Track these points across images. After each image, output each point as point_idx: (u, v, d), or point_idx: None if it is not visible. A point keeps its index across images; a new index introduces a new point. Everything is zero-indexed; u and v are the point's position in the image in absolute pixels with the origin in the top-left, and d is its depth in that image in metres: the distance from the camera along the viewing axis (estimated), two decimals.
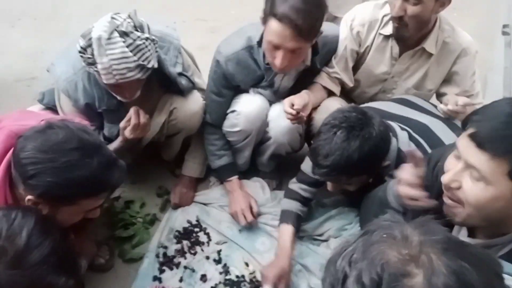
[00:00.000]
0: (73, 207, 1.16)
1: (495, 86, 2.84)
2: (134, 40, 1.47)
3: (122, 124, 1.64)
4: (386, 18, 1.71)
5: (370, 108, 1.59)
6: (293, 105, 1.59)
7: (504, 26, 3.40)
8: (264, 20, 1.54)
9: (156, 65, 1.57)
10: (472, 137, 0.93)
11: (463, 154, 0.96)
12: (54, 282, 0.85)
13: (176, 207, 1.95)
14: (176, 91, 1.80)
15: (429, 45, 1.68)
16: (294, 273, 1.69)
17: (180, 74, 1.77)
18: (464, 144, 0.95)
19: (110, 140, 1.72)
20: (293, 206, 1.76)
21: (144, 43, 1.50)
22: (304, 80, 1.80)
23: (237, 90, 1.81)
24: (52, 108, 1.82)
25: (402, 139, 1.46)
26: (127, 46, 1.46)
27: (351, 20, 1.76)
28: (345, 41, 1.77)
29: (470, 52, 1.72)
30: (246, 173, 2.06)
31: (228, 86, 1.79)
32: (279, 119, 1.75)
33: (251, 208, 1.84)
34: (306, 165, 1.70)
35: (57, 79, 1.71)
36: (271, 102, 1.82)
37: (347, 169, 1.36)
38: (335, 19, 2.33)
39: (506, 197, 0.92)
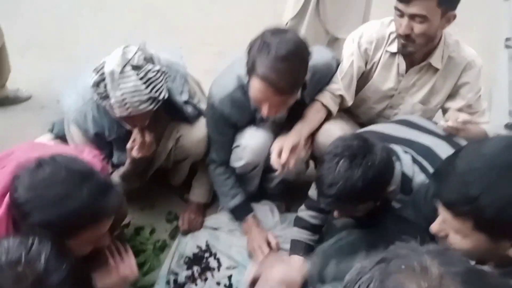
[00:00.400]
0: (77, 240, 1.14)
1: (501, 100, 2.82)
2: (146, 73, 1.51)
3: (128, 145, 1.68)
4: (392, 36, 1.73)
5: (372, 132, 1.60)
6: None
7: (507, 39, 3.40)
8: (248, 75, 1.54)
9: (166, 96, 1.60)
10: (439, 196, 0.99)
11: (439, 209, 1.01)
12: None
13: (185, 233, 1.95)
14: (183, 118, 1.82)
15: (435, 60, 1.69)
16: None
17: (186, 102, 1.81)
18: (438, 201, 1.00)
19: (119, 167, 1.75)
20: (303, 236, 1.76)
21: (155, 75, 1.53)
22: (297, 110, 1.77)
23: (236, 127, 1.82)
24: (62, 138, 1.84)
25: (405, 163, 1.46)
26: (140, 79, 1.50)
27: (359, 37, 1.77)
28: (352, 57, 1.77)
29: (475, 65, 1.72)
30: (255, 195, 2.06)
31: (227, 125, 1.79)
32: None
33: (268, 242, 1.83)
34: (314, 191, 1.68)
35: (67, 109, 1.75)
36: (274, 134, 1.81)
37: (352, 197, 1.36)
38: (336, 41, 2.37)
39: (485, 246, 0.96)
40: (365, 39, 1.76)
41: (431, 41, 1.64)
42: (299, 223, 1.78)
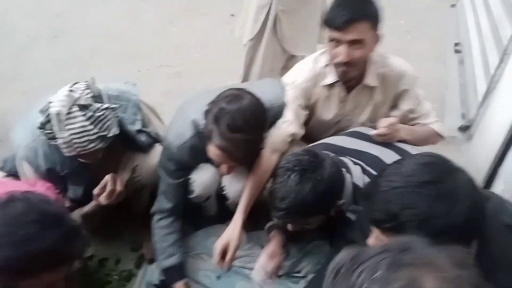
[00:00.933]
0: (33, 280, 1.13)
1: (453, 103, 2.95)
2: (94, 112, 1.50)
3: (96, 190, 1.63)
4: (326, 69, 1.74)
5: (324, 145, 1.65)
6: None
7: (456, 44, 3.57)
8: (206, 137, 1.53)
9: (117, 132, 1.59)
10: (367, 215, 1.06)
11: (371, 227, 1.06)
12: None
13: (151, 262, 1.92)
14: (137, 148, 1.81)
15: (370, 79, 1.72)
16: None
17: (140, 131, 1.79)
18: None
19: (76, 201, 1.71)
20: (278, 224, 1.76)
21: (104, 113, 1.53)
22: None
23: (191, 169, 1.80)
24: (15, 175, 1.80)
25: (356, 174, 1.51)
26: (87, 119, 1.48)
27: (294, 81, 1.76)
28: (296, 100, 1.75)
29: (407, 72, 1.75)
30: (220, 216, 2.05)
31: (184, 169, 1.77)
32: (232, 183, 1.81)
33: None
34: None
35: (17, 146, 1.71)
36: None
37: (302, 211, 1.39)
38: (293, 58, 2.43)
39: None
40: (301, 80, 1.75)
41: (366, 63, 1.69)
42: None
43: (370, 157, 1.57)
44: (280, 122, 1.73)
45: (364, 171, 1.52)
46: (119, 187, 1.63)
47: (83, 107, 1.48)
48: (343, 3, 1.59)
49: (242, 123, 1.44)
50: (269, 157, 1.71)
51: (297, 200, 1.35)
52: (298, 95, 1.75)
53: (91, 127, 1.49)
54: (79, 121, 1.47)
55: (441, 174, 0.98)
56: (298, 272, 1.82)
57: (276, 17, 2.22)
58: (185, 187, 1.79)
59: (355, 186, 1.48)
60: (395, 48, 3.57)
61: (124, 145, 1.79)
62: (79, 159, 1.63)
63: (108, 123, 1.54)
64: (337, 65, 1.67)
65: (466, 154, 2.46)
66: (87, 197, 1.72)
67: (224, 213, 2.01)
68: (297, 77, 1.77)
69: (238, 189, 1.77)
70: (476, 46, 3.03)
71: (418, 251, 0.70)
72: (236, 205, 1.83)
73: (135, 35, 3.81)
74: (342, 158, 1.55)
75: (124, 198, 1.93)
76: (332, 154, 1.56)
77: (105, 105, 1.54)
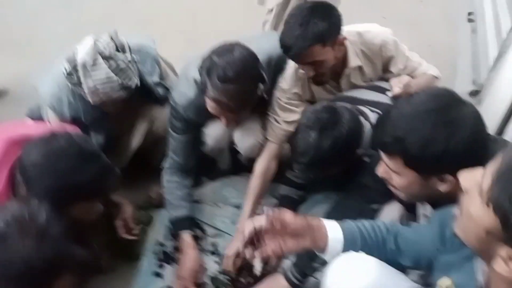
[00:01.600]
0: (70, 210, 1.21)
1: (464, 70, 2.98)
2: (117, 62, 1.56)
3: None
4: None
5: (344, 97, 1.71)
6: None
7: (469, 13, 3.56)
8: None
9: (138, 83, 1.64)
10: (376, 141, 1.14)
11: (380, 155, 1.16)
12: (75, 253, 0.94)
13: (157, 206, 1.97)
14: (155, 100, 1.87)
15: (353, 61, 1.73)
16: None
17: (158, 83, 1.85)
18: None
19: None
20: (291, 192, 1.88)
21: (127, 65, 1.59)
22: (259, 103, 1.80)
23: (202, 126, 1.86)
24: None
25: (373, 121, 1.59)
26: (111, 69, 1.54)
27: (283, 88, 1.77)
28: (291, 104, 1.77)
29: (386, 40, 1.76)
30: (234, 169, 2.14)
31: (192, 126, 1.81)
32: (243, 139, 1.87)
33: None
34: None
35: (43, 95, 1.78)
36: None
37: (322, 164, 1.49)
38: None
39: (417, 182, 1.11)
40: (289, 86, 1.76)
41: (338, 61, 1.69)
42: (286, 181, 1.90)
43: (388, 106, 1.64)
44: (279, 120, 1.78)
45: None
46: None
47: (108, 58, 1.55)
48: (288, 30, 1.58)
49: (233, 74, 1.47)
50: (268, 166, 1.80)
51: (317, 155, 1.45)
52: (291, 98, 1.77)
53: (114, 76, 1.55)
54: (103, 70, 1.54)
55: (447, 104, 1.06)
56: None
57: None
58: (196, 143, 1.86)
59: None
60: (408, 17, 3.59)
61: (142, 97, 1.84)
62: (101, 108, 1.70)
63: (130, 74, 1.61)
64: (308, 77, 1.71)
65: None
66: (108, 145, 1.80)
67: (238, 166, 2.11)
68: (285, 84, 1.77)
69: (248, 145, 1.85)
70: (489, 14, 3.04)
71: None
72: (248, 159, 1.93)
73: (146, 1, 3.83)
74: (360, 107, 1.63)
75: (141, 150, 2.03)
76: (350, 105, 1.63)
77: (128, 57, 1.60)
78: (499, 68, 2.42)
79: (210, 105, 1.57)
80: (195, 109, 1.72)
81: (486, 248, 0.78)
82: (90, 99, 1.60)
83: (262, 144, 1.88)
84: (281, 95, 1.77)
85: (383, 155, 1.14)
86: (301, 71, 1.74)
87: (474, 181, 0.79)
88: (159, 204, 1.98)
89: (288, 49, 1.59)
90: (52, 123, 1.79)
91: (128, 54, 1.63)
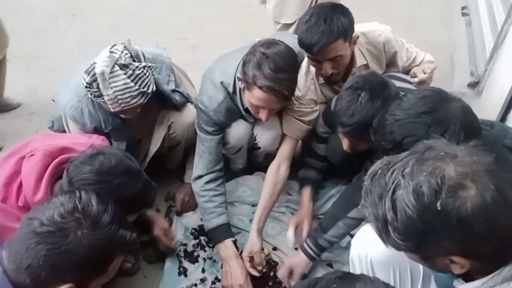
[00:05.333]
0: None
1: (462, 62, 3.06)
2: (134, 70, 1.63)
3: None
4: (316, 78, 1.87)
5: None
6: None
7: (463, 8, 3.65)
8: (246, 86, 1.64)
9: (154, 89, 1.72)
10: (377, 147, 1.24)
11: None
12: (124, 235, 1.04)
13: (179, 214, 2.08)
14: (172, 106, 1.95)
15: (359, 60, 1.85)
16: None
17: (174, 90, 1.93)
18: None
19: None
20: (310, 173, 2.01)
21: (142, 71, 1.66)
22: None
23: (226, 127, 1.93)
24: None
25: None
26: (128, 77, 1.62)
27: (297, 95, 1.83)
28: (312, 114, 1.89)
29: (389, 38, 1.90)
30: (247, 170, 2.23)
31: (221, 128, 1.90)
32: (264, 132, 1.95)
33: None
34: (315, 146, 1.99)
35: (64, 107, 1.86)
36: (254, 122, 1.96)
37: (367, 128, 1.48)
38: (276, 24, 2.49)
39: None
40: (303, 93, 1.85)
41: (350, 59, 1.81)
42: (305, 166, 2.04)
43: (408, 91, 1.72)
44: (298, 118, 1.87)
45: None
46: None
47: (124, 66, 1.62)
48: (312, 27, 1.65)
49: (283, 63, 1.58)
50: (277, 170, 1.87)
51: (367, 115, 1.46)
52: (307, 103, 1.87)
53: (132, 84, 1.63)
54: (121, 78, 1.61)
55: (435, 104, 1.15)
56: (322, 214, 1.98)
57: None
58: (219, 149, 1.93)
59: None
60: (403, 15, 3.69)
61: (159, 104, 1.93)
62: (120, 115, 1.78)
63: (146, 80, 1.68)
64: (322, 77, 1.82)
65: (476, 109, 2.58)
66: (128, 150, 1.86)
67: (250, 165, 2.20)
68: (298, 92, 1.85)
69: (269, 137, 1.94)
70: (483, 6, 3.12)
71: (439, 148, 0.85)
72: (266, 154, 2.03)
73: (149, 11, 3.92)
74: None
75: (160, 155, 2.11)
76: None
77: (143, 64, 1.68)
78: (496, 59, 2.50)
79: (258, 97, 1.61)
80: (225, 111, 1.83)
81: (438, 267, 0.90)
82: (110, 108, 1.68)
83: (281, 136, 1.97)
84: (296, 103, 1.86)
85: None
86: (313, 73, 1.84)
87: None
88: (179, 213, 2.08)
89: (312, 46, 1.65)
90: (73, 133, 1.87)
91: (142, 61, 1.71)
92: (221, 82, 1.80)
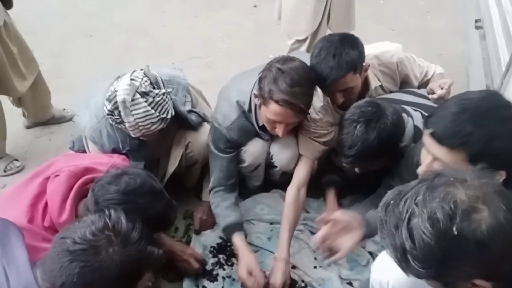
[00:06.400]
0: None
1: (477, 76, 3.05)
2: (154, 98, 1.67)
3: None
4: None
5: (384, 99, 1.80)
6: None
7: (477, 21, 3.64)
8: (262, 102, 1.66)
9: (173, 113, 1.76)
10: (432, 135, 1.16)
11: (429, 150, 1.19)
12: (152, 251, 1.07)
13: (197, 233, 2.09)
14: (189, 126, 1.98)
15: (373, 82, 1.89)
16: (324, 267, 1.85)
17: (190, 111, 1.96)
18: (428, 141, 1.19)
19: None
20: (333, 178, 2.06)
21: (162, 98, 1.70)
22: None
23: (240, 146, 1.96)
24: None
25: (416, 118, 1.69)
26: (149, 104, 1.66)
27: (314, 118, 1.87)
28: (328, 135, 1.91)
29: (401, 58, 1.94)
30: (264, 187, 2.23)
31: (234, 146, 1.94)
32: (281, 152, 1.96)
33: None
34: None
35: (83, 128, 1.90)
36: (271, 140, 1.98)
37: (369, 156, 1.57)
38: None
39: None
40: (320, 120, 1.88)
41: (362, 85, 1.83)
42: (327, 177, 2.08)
43: (427, 106, 1.76)
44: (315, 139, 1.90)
45: (423, 116, 1.69)
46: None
47: (145, 94, 1.66)
48: (322, 62, 1.69)
49: (299, 78, 1.61)
50: (297, 195, 1.87)
51: (364, 147, 1.54)
52: (324, 126, 1.90)
53: (153, 111, 1.67)
54: (142, 106, 1.65)
55: (503, 103, 1.15)
56: None
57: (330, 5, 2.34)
58: (236, 161, 1.97)
59: (416, 128, 1.67)
60: (416, 28, 3.70)
61: (176, 124, 1.96)
62: (138, 138, 1.82)
63: (166, 106, 1.72)
64: (337, 106, 1.85)
65: None
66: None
67: (267, 183, 2.20)
68: (315, 115, 1.89)
69: (286, 156, 1.95)
70: (497, 19, 3.12)
71: (447, 173, 0.87)
72: (281, 174, 2.03)
73: (164, 30, 3.99)
74: (402, 105, 1.73)
75: (177, 174, 2.13)
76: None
77: (162, 91, 1.72)
78: None
79: (274, 112, 1.64)
80: (238, 130, 1.87)
81: None
82: (131, 133, 1.73)
83: (298, 156, 1.98)
84: (313, 125, 1.89)
85: (438, 150, 1.15)
86: (328, 100, 1.86)
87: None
88: (197, 231, 2.09)
89: (323, 80, 1.70)
90: (93, 153, 1.91)
91: (162, 88, 1.75)
92: (237, 101, 1.83)
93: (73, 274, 0.97)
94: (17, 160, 2.51)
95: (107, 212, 1.06)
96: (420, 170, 1.22)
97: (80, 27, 4.04)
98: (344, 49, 1.68)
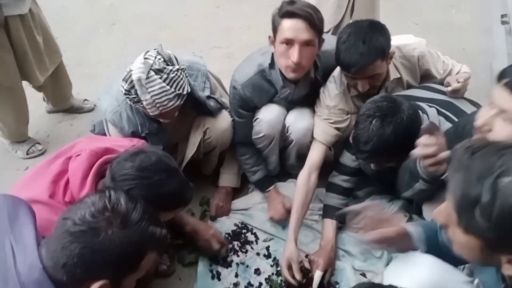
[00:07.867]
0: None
1: None
2: (168, 74, 1.68)
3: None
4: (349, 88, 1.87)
5: (399, 96, 1.76)
6: None
7: (503, 16, 3.57)
8: (274, 36, 1.72)
9: (189, 90, 1.77)
10: (508, 84, 1.13)
11: (497, 101, 1.16)
12: (154, 232, 1.06)
13: (213, 219, 2.12)
14: (207, 112, 2.00)
15: (393, 74, 1.85)
16: (338, 258, 1.85)
17: (209, 97, 1.98)
18: (499, 92, 1.15)
19: None
20: (335, 201, 1.94)
21: (176, 74, 1.71)
22: (314, 90, 1.97)
23: (255, 110, 2.00)
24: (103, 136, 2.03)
25: (431, 114, 1.65)
26: (164, 81, 1.67)
27: (328, 105, 1.89)
28: (342, 122, 1.91)
29: (423, 52, 1.88)
30: (280, 176, 2.25)
31: (247, 109, 1.98)
32: (297, 122, 1.96)
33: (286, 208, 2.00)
34: (345, 158, 1.93)
35: (104, 111, 1.94)
36: (287, 109, 2.01)
37: (385, 151, 1.54)
38: None
39: None
40: (328, 101, 1.89)
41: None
42: (331, 188, 1.97)
43: (443, 102, 1.72)
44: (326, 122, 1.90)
45: (439, 112, 1.66)
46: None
47: (159, 71, 1.67)
48: (350, 48, 1.67)
49: (304, 2, 1.73)
50: (307, 179, 1.88)
51: (380, 142, 1.51)
52: (337, 113, 1.89)
53: (168, 87, 1.68)
54: (157, 83, 1.66)
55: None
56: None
57: None
58: (248, 128, 2.01)
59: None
60: (440, 22, 3.63)
61: (195, 110, 1.98)
62: (159, 119, 1.84)
63: (181, 83, 1.73)
64: (358, 92, 1.82)
65: None
66: None
67: (282, 171, 2.23)
68: (329, 101, 1.89)
69: (302, 126, 1.96)
70: None
71: None
72: (298, 152, 2.05)
73: (185, 21, 4.00)
74: (417, 102, 1.69)
75: (195, 160, 2.15)
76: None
77: (176, 67, 1.73)
78: None
79: (286, 28, 1.68)
80: (252, 87, 1.91)
81: (490, 260, 0.86)
82: (149, 112, 1.74)
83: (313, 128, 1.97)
84: (326, 111, 1.89)
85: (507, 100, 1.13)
86: (344, 85, 1.85)
87: (444, 215, 0.89)
88: (213, 218, 2.12)
89: (350, 66, 1.68)
90: (112, 136, 1.94)
91: (175, 64, 1.76)
92: (259, 63, 1.90)
93: (73, 255, 0.98)
94: (39, 143, 2.58)
95: (107, 193, 1.06)
96: (478, 122, 1.19)
97: (104, 17, 4.10)
98: (374, 35, 1.66)
